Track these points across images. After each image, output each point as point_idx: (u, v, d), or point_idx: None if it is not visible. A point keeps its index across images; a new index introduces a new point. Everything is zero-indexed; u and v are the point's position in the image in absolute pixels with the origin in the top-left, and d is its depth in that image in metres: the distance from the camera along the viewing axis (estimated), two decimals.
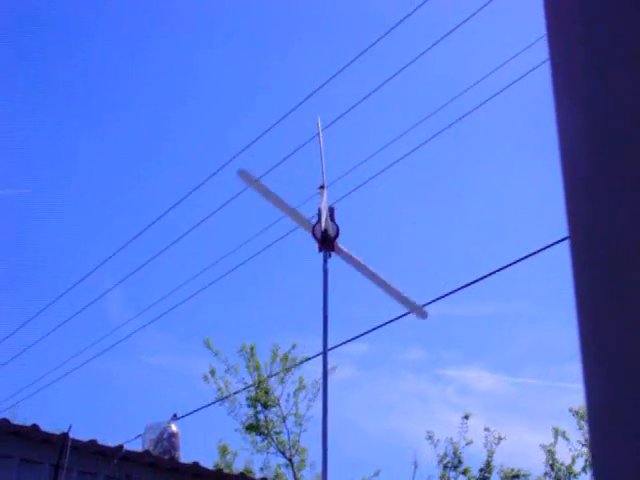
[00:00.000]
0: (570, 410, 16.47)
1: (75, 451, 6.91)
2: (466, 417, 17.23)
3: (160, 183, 24.34)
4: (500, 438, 17.06)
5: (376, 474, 17.56)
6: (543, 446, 17.00)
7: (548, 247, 6.50)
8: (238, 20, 22.84)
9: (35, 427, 6.96)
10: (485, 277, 7.01)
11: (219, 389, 17.14)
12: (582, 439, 16.29)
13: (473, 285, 7.15)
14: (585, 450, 16.13)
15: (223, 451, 17.64)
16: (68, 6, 21.73)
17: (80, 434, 7.14)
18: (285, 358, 17.27)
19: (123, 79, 23.21)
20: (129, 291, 17.79)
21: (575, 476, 16.74)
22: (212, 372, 17.20)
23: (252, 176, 6.36)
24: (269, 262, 22.91)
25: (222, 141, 22.51)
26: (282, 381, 17.41)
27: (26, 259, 20.65)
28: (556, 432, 16.98)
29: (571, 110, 1.06)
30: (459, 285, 7.24)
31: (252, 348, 17.39)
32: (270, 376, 17.22)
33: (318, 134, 6.35)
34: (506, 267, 6.89)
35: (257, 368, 17.33)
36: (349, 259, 5.98)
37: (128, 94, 23.85)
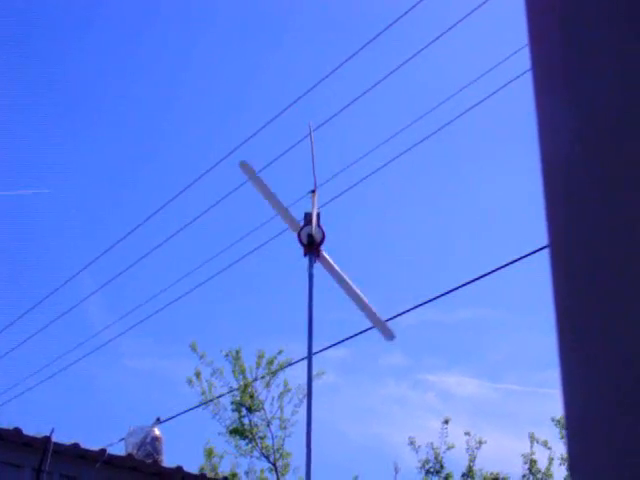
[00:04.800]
0: (552, 420, 16.50)
1: (57, 455, 6.88)
2: (446, 422, 17.25)
3: (144, 187, 24.27)
4: (481, 442, 17.09)
5: None
6: (524, 455, 17.04)
7: (530, 254, 6.54)
8: (232, 18, 22.84)
9: (17, 430, 6.93)
10: (466, 284, 7.05)
11: (203, 392, 17.10)
12: (563, 449, 16.34)
13: (454, 291, 7.18)
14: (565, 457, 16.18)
15: (209, 454, 17.59)
16: (60, 6, 21.68)
17: (62, 438, 7.12)
18: (270, 362, 17.25)
19: (112, 84, 23.15)
20: (110, 294, 17.71)
21: None
22: (197, 375, 17.16)
23: (252, 169, 6.38)
24: (254, 266, 22.87)
25: (212, 144, 22.49)
26: (267, 385, 17.39)
27: (16, 261, 20.56)
28: (532, 438, 17.03)
29: (551, 115, 1.07)
30: (440, 292, 7.27)
31: (237, 352, 17.36)
32: (255, 380, 17.19)
33: (310, 138, 6.37)
34: (487, 274, 6.92)
35: (242, 372, 17.31)
36: (330, 268, 5.98)
37: (117, 98, 23.79)
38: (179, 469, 7.75)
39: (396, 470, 17.21)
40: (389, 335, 6.04)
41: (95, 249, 16.92)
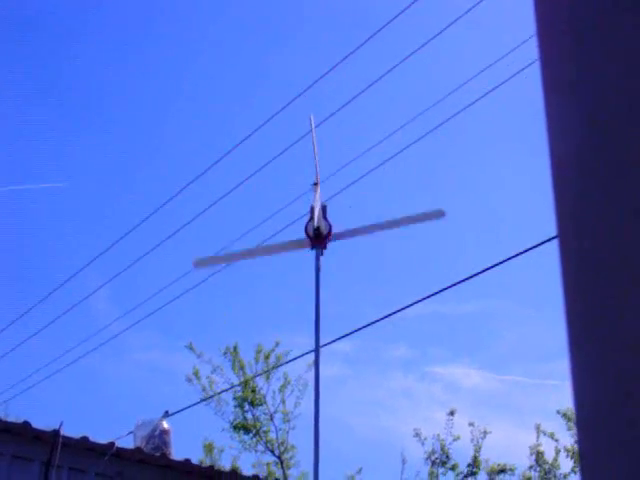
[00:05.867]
0: (558, 412, 16.49)
1: (66, 448, 6.90)
2: (451, 413, 17.25)
3: (149, 182, 24.30)
4: (485, 432, 17.08)
5: (359, 472, 17.61)
6: (531, 447, 17.04)
7: (535, 247, 6.54)
8: (237, 14, 22.81)
9: (26, 424, 6.96)
10: (472, 277, 7.05)
11: (203, 389, 17.10)
12: (570, 440, 16.34)
13: (460, 283, 7.18)
14: (573, 449, 16.18)
15: (209, 449, 17.61)
16: (62, 3, 21.68)
17: (71, 431, 7.15)
18: (267, 356, 17.22)
19: (114, 80, 23.14)
20: (117, 288, 17.75)
21: (566, 477, 16.80)
22: (195, 373, 17.16)
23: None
24: (258, 260, 22.83)
25: (215, 139, 22.49)
26: (268, 379, 17.38)
27: (21, 256, 20.62)
28: (538, 429, 17.03)
29: (560, 110, 1.08)
30: (447, 284, 7.27)
31: (235, 347, 17.34)
32: (256, 375, 17.18)
33: (311, 131, 6.36)
34: (494, 267, 6.92)
35: (242, 367, 17.29)
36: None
37: (118, 96, 23.78)
38: (187, 462, 7.78)
39: (403, 462, 17.25)
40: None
41: (101, 244, 16.99)
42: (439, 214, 6.04)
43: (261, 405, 17.29)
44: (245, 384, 17.11)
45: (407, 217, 6.14)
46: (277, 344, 17.06)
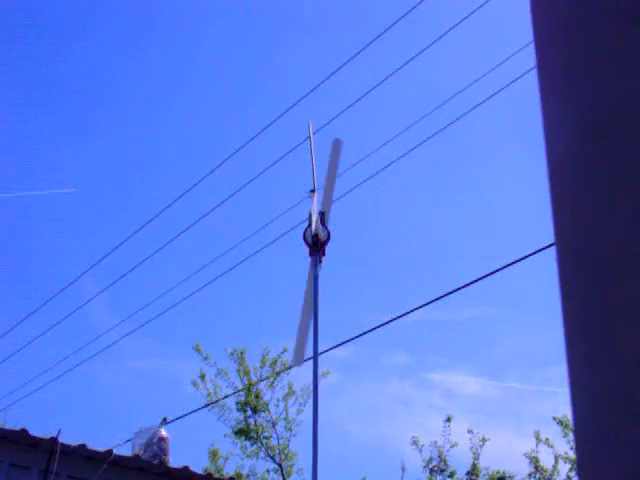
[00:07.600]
0: (554, 419, 16.45)
1: (64, 456, 6.88)
2: (448, 420, 17.21)
3: (147, 190, 24.30)
4: (484, 439, 17.04)
5: None
6: (527, 453, 17.00)
7: (532, 254, 6.54)
8: (236, 17, 22.85)
9: (24, 431, 6.94)
10: (470, 284, 7.04)
11: (208, 394, 17.08)
12: (567, 447, 16.31)
13: (458, 290, 7.17)
14: (570, 455, 16.16)
15: (214, 455, 17.57)
16: (62, 3, 21.70)
17: (69, 439, 7.13)
18: (274, 362, 17.23)
19: (113, 86, 23.15)
20: (114, 295, 17.76)
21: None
22: (202, 377, 17.15)
23: (339, 149, 6.25)
24: (255, 266, 22.90)
25: (216, 142, 22.50)
26: (272, 385, 17.38)
27: (19, 264, 20.58)
28: (537, 437, 16.99)
29: (557, 115, 1.07)
30: (445, 291, 7.26)
31: (242, 352, 17.35)
32: (260, 380, 17.17)
33: (309, 137, 6.35)
34: (491, 274, 6.92)
35: (247, 373, 17.29)
36: (310, 276, 5.86)
37: (117, 96, 23.79)
38: (186, 469, 7.75)
39: (403, 469, 17.20)
40: (297, 362, 5.86)
41: (98, 251, 16.97)
42: (298, 362, 5.86)
43: (264, 412, 17.27)
44: (249, 389, 17.09)
45: (305, 336, 5.83)
46: (284, 350, 17.07)
